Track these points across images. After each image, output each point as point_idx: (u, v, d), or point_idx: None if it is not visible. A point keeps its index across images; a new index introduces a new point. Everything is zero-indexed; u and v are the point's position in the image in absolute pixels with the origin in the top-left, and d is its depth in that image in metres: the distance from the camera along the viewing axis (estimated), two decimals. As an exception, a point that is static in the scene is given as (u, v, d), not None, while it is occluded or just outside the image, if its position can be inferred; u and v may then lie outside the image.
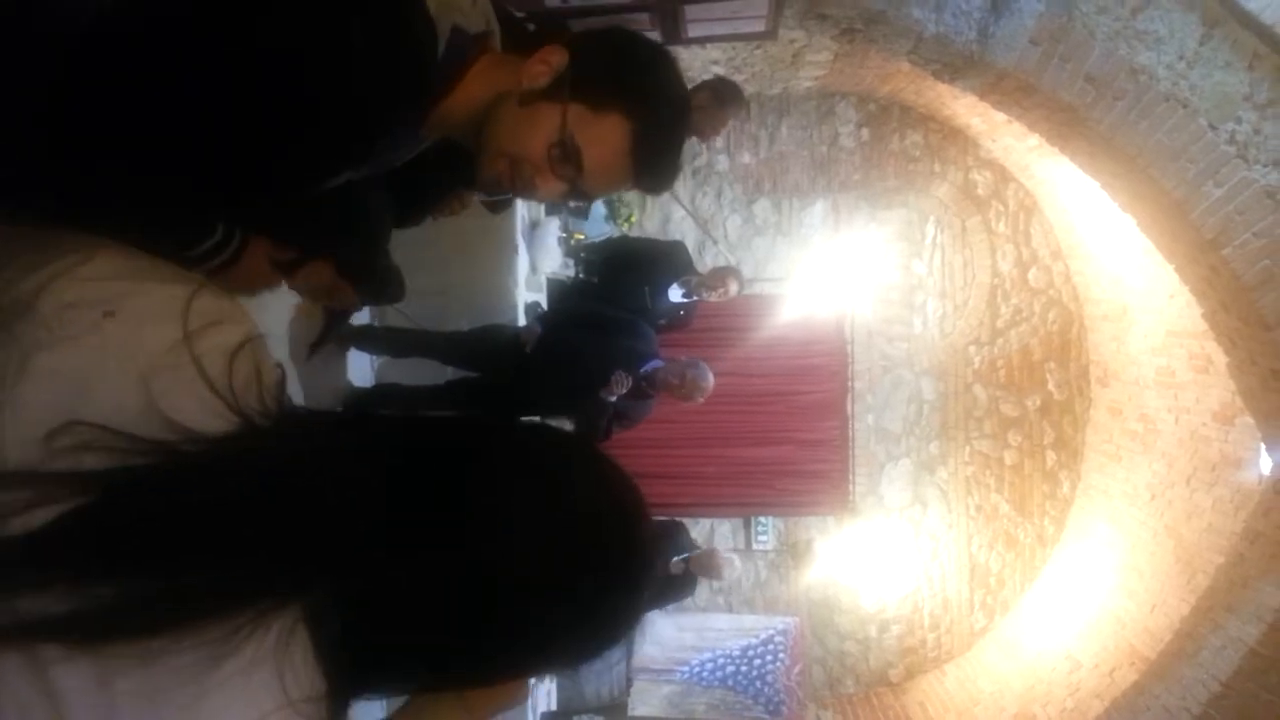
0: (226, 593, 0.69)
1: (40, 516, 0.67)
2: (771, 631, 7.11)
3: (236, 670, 0.68)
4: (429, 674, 0.84)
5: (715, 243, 7.31)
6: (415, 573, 0.76)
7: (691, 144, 5.83)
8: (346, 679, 0.76)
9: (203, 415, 0.74)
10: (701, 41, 4.38)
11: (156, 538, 0.69)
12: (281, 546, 0.72)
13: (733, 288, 4.82)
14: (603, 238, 5.77)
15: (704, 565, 5.36)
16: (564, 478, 0.85)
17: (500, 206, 3.31)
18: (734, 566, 5.47)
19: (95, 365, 0.72)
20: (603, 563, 0.82)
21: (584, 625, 0.84)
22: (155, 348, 0.75)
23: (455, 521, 0.78)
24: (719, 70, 6.56)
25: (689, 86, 4.38)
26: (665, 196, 7.24)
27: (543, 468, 0.85)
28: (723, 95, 4.33)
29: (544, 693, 4.57)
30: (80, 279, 0.77)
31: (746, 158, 7.34)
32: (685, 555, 5.38)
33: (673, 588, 5.38)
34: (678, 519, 6.43)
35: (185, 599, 0.68)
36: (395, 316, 4.11)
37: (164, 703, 0.66)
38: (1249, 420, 4.77)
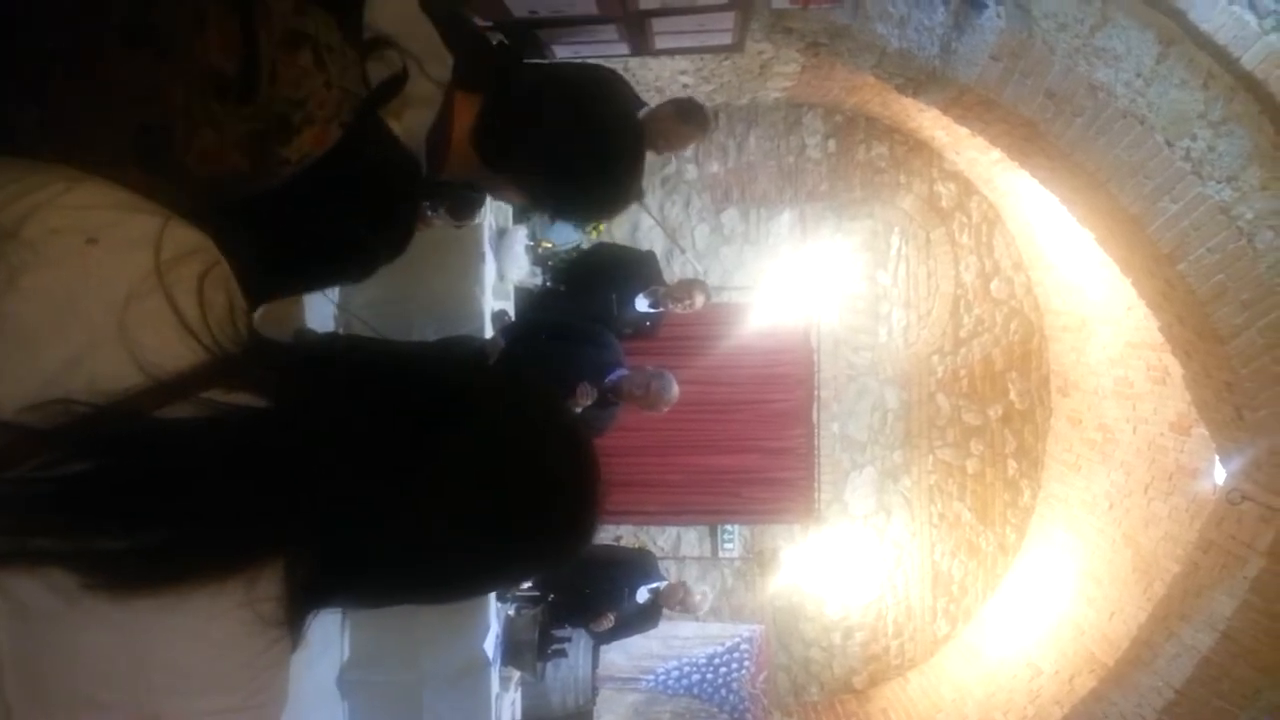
0: (223, 554, 0.74)
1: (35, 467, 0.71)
2: (737, 639, 7.13)
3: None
4: (388, 598, 0.92)
5: (683, 251, 7.33)
6: (395, 515, 0.82)
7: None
8: (312, 598, 0.82)
9: (175, 343, 0.78)
10: (670, 53, 4.40)
11: (145, 499, 0.73)
12: (270, 504, 0.77)
13: (699, 299, 4.84)
14: (569, 245, 5.77)
15: (673, 599, 5.35)
16: (541, 438, 0.91)
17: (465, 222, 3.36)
18: (707, 600, 5.47)
19: (77, 289, 0.76)
20: (548, 523, 0.90)
21: (524, 564, 0.98)
22: (133, 275, 0.78)
23: (437, 465, 0.83)
24: (687, 80, 6.60)
25: (657, 104, 4.32)
26: (633, 205, 7.26)
27: (528, 426, 0.91)
28: (686, 114, 4.30)
29: (508, 702, 4.55)
30: (64, 207, 0.81)
31: (715, 167, 7.37)
32: (654, 587, 5.37)
33: (638, 618, 5.39)
34: (647, 549, 6.44)
35: (182, 557, 0.72)
36: (359, 326, 4.08)
37: (135, 606, 0.70)
38: (1205, 431, 4.86)
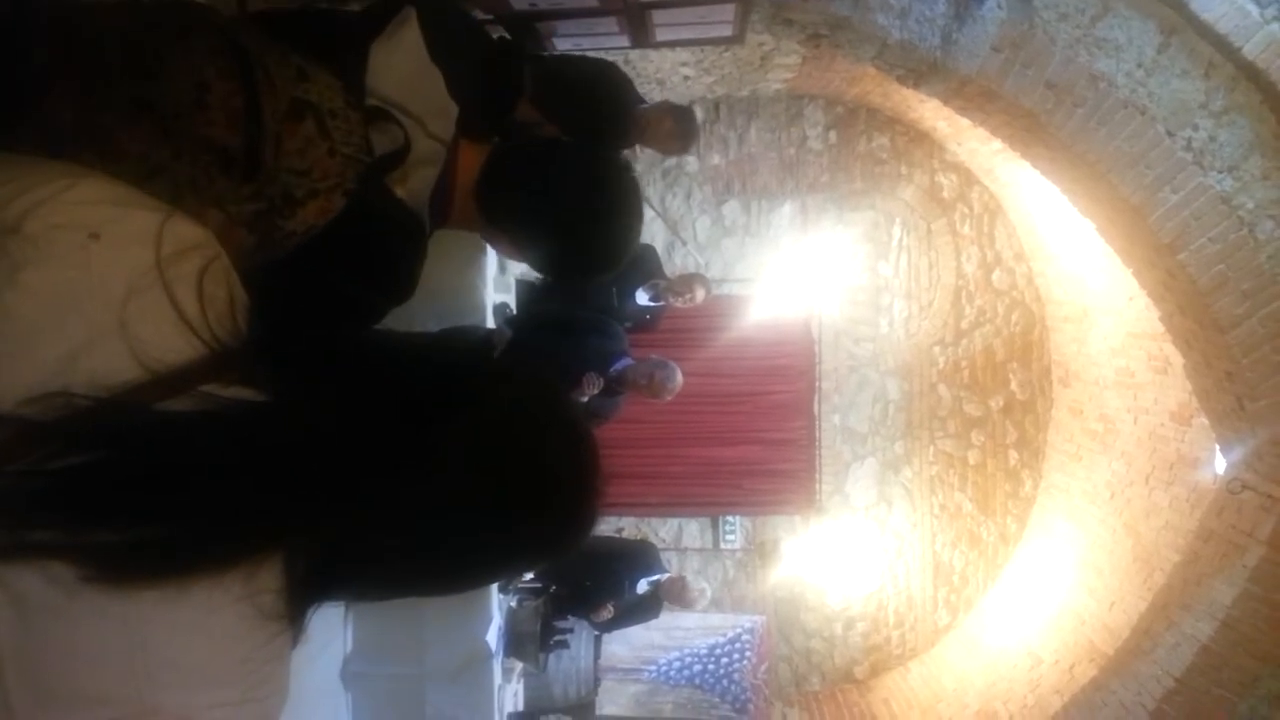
0: (221, 547, 0.75)
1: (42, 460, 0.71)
2: (738, 630, 7.15)
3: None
4: (388, 590, 0.94)
5: (684, 243, 7.33)
6: (394, 509, 0.82)
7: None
8: (311, 592, 0.82)
9: (174, 338, 0.79)
10: (670, 45, 4.39)
11: (144, 492, 0.74)
12: (268, 498, 0.77)
13: (699, 294, 4.83)
14: None
15: (673, 593, 5.38)
16: (542, 433, 0.91)
17: None
18: (705, 597, 5.51)
19: (79, 284, 0.77)
20: (547, 518, 0.91)
21: (523, 557, 1.01)
22: (133, 271, 0.79)
23: (437, 460, 0.83)
24: (688, 72, 6.60)
25: (653, 103, 4.25)
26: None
27: (529, 420, 0.91)
28: (678, 119, 4.17)
29: (511, 693, 4.57)
30: (67, 203, 0.82)
31: (716, 159, 7.37)
32: (655, 579, 5.40)
33: (638, 609, 5.42)
34: (649, 541, 6.46)
35: (180, 551, 0.73)
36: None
37: (134, 599, 0.71)
38: (1205, 421, 4.87)
